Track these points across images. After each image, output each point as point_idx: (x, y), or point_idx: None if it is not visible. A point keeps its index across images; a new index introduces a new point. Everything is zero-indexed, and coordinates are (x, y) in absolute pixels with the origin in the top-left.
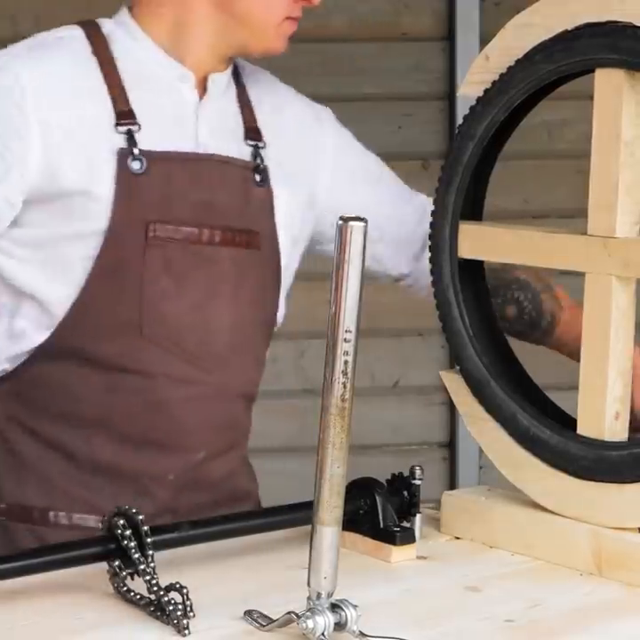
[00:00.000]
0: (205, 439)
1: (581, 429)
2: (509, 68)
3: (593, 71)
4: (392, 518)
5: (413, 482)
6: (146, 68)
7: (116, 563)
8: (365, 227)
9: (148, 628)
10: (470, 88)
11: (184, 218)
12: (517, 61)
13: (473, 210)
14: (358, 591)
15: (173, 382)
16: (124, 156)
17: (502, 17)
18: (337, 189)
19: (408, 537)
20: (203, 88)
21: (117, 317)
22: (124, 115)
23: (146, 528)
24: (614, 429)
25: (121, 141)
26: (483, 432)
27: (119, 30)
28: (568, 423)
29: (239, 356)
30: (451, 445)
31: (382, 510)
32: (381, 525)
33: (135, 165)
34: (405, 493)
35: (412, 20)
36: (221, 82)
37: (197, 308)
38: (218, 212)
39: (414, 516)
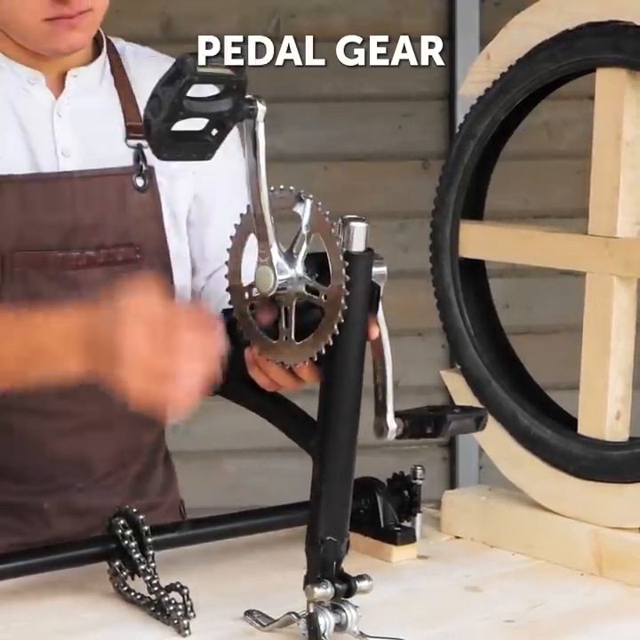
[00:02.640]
0: (82, 471)
1: (582, 429)
2: (511, 68)
3: (594, 71)
4: (393, 518)
5: (414, 481)
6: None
7: (117, 563)
8: (367, 228)
9: (148, 628)
10: (471, 87)
11: (46, 243)
12: (519, 61)
13: (474, 209)
14: None
15: (45, 417)
16: None
17: (502, 17)
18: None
19: (409, 536)
20: (62, 87)
21: None
22: None
23: (146, 528)
24: (615, 429)
25: None
26: (483, 431)
27: None
28: (569, 423)
29: None
30: (451, 445)
31: (383, 510)
32: (382, 525)
33: None
34: (406, 493)
35: (412, 19)
36: (86, 77)
37: None
38: (85, 232)
39: (415, 515)
